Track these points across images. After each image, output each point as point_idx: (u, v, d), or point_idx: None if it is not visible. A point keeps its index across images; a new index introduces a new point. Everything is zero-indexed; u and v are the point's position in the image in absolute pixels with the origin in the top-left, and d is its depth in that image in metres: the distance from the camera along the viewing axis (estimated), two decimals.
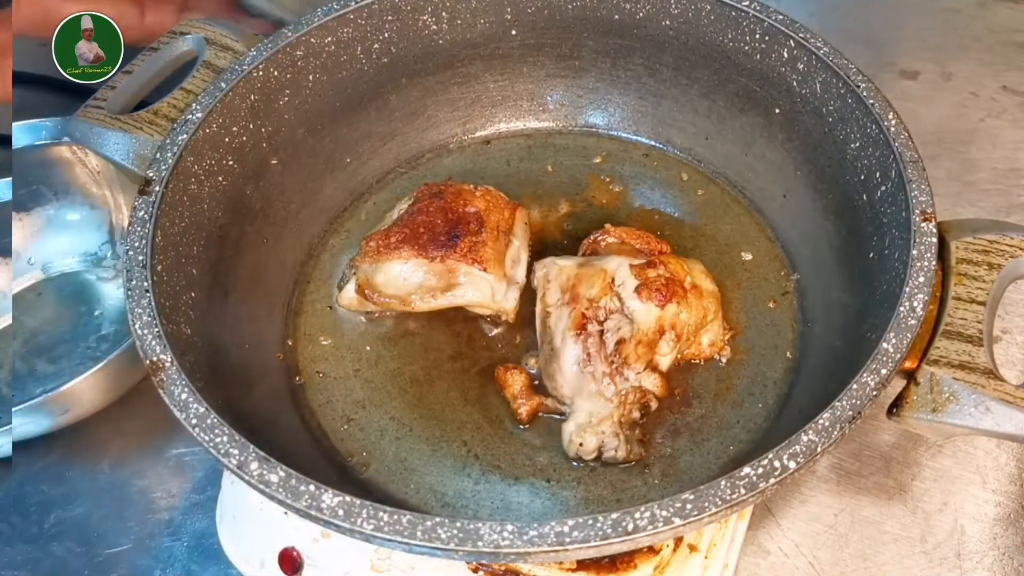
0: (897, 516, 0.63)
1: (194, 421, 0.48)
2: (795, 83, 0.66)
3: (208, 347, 0.57)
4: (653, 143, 0.78)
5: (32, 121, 0.82)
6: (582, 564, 0.55)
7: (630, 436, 0.59)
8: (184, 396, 0.49)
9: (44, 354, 0.79)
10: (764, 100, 0.69)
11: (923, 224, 0.53)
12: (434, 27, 0.73)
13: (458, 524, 0.43)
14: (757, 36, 0.67)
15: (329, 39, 0.70)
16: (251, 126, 0.67)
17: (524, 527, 0.43)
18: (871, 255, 0.58)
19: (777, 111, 0.69)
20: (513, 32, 0.75)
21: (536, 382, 0.62)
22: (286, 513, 0.51)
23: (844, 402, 0.46)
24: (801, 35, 0.64)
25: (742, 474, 0.44)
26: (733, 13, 0.67)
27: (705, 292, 0.63)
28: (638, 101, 0.78)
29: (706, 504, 0.43)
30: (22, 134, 0.82)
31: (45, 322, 0.82)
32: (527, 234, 0.69)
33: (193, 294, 0.59)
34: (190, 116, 0.62)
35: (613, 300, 0.61)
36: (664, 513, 0.43)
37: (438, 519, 0.43)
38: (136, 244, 0.56)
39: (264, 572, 0.59)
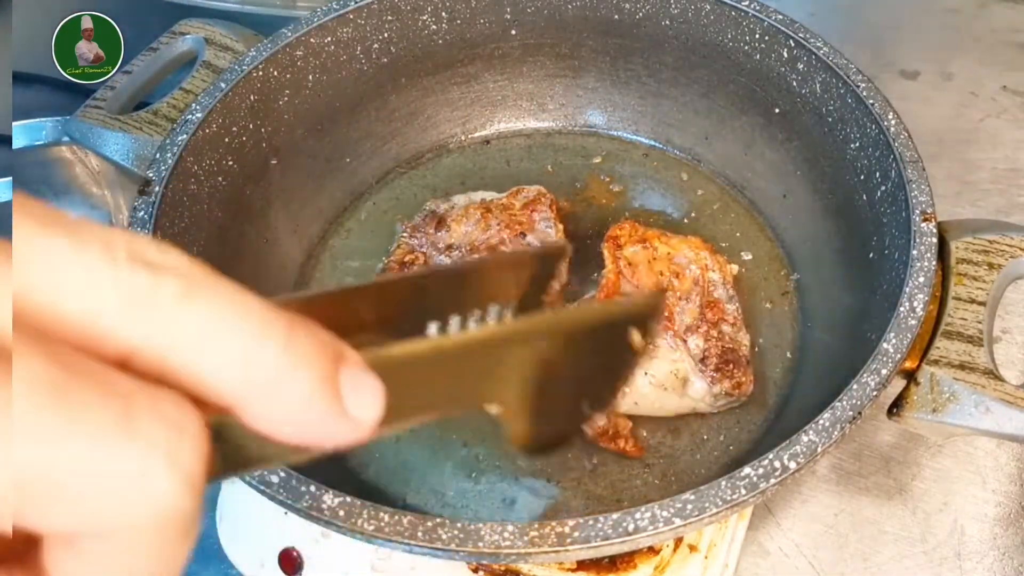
0: (897, 516, 0.63)
1: None
2: (795, 83, 0.66)
3: None
4: (653, 143, 0.78)
5: (32, 121, 0.82)
6: (582, 564, 0.55)
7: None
8: None
9: None
10: (764, 100, 0.69)
11: (923, 224, 0.53)
12: (434, 27, 0.73)
13: (459, 525, 0.43)
14: (757, 36, 0.67)
15: (329, 39, 0.70)
16: (251, 126, 0.67)
17: (525, 528, 0.43)
18: (871, 255, 0.58)
19: (777, 111, 0.69)
20: (513, 32, 0.75)
21: None
22: (286, 513, 0.50)
23: (844, 402, 0.46)
24: (801, 35, 0.64)
25: (742, 474, 0.44)
26: (733, 13, 0.67)
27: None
28: (638, 101, 0.78)
29: (707, 504, 0.43)
30: (22, 134, 0.82)
31: None
32: None
33: None
34: (190, 116, 0.62)
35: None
36: (665, 513, 0.43)
37: (439, 520, 0.43)
38: None
39: (264, 572, 0.59)
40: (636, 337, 0.38)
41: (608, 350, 0.39)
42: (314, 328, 0.22)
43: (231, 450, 0.22)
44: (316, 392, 0.21)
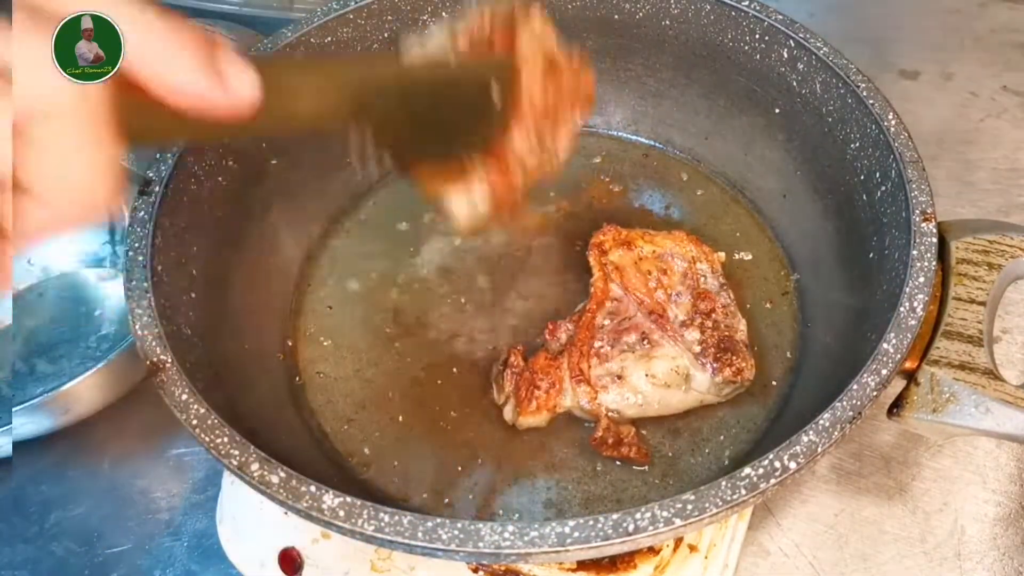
0: (897, 516, 0.63)
1: (194, 422, 0.48)
2: (795, 83, 0.66)
3: (208, 347, 0.57)
4: (653, 143, 0.78)
5: None
6: (582, 564, 0.55)
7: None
8: (184, 397, 0.49)
9: (44, 354, 0.79)
10: (764, 100, 0.69)
11: (923, 224, 0.53)
12: (434, 27, 0.73)
13: (459, 525, 0.43)
14: (757, 36, 0.67)
15: (329, 39, 0.69)
16: None
17: (525, 528, 0.43)
18: (871, 255, 0.58)
19: (777, 111, 0.69)
20: None
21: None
22: (286, 513, 0.51)
23: (844, 402, 0.46)
24: (801, 35, 0.64)
25: (742, 474, 0.44)
26: (733, 13, 0.67)
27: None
28: (638, 101, 0.78)
29: (707, 504, 0.43)
30: None
31: (45, 322, 0.81)
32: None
33: (193, 294, 0.59)
34: None
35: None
36: (665, 514, 0.43)
37: (439, 520, 0.43)
38: (136, 244, 0.56)
39: (264, 572, 0.59)
40: (496, 93, 0.48)
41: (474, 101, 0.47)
42: (192, 25, 0.30)
43: (143, 120, 0.30)
44: (199, 64, 0.30)
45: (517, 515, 0.57)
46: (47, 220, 0.31)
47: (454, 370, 0.65)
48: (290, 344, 0.67)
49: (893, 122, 0.58)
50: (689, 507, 0.43)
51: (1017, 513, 0.63)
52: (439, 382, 0.64)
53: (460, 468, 0.60)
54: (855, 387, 0.47)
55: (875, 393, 0.47)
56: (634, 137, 0.79)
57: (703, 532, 0.57)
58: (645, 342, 0.60)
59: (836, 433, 0.45)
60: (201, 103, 0.31)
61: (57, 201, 0.30)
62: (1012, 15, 0.98)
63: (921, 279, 0.51)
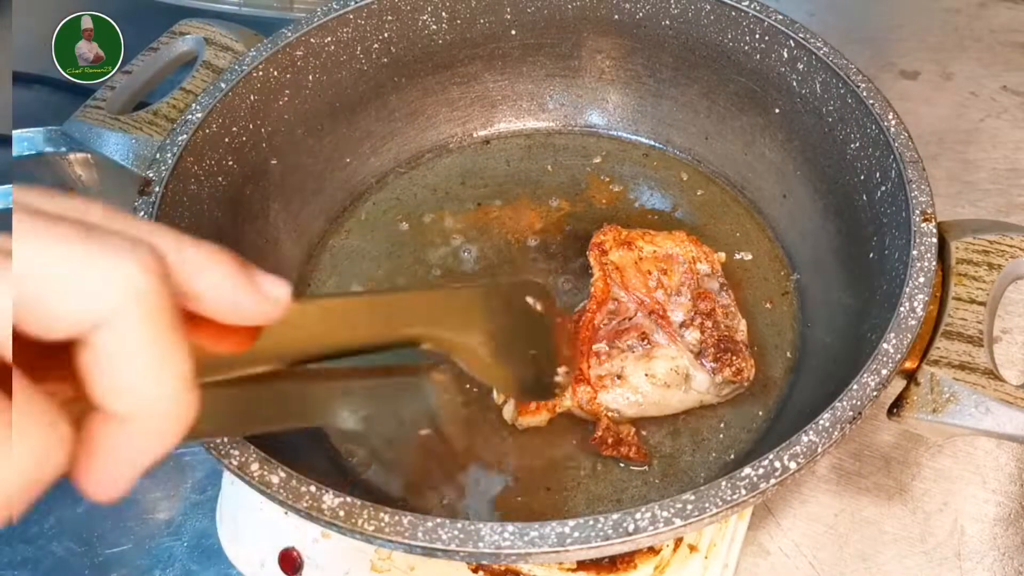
0: (897, 516, 0.63)
1: None
2: (795, 83, 0.66)
3: None
4: (653, 143, 0.78)
5: (25, 132, 0.81)
6: (582, 564, 0.55)
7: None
8: None
9: None
10: (764, 100, 0.69)
11: (923, 224, 0.53)
12: (434, 27, 0.73)
13: (459, 525, 0.43)
14: (757, 36, 0.67)
15: (329, 39, 0.70)
16: (251, 126, 0.66)
17: (525, 528, 0.43)
18: (871, 255, 0.58)
19: (777, 111, 0.69)
20: (513, 32, 0.75)
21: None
22: (286, 514, 0.51)
23: (844, 402, 0.46)
24: (801, 35, 0.64)
25: (743, 475, 0.44)
26: (733, 13, 0.67)
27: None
28: (638, 101, 0.78)
29: (707, 505, 0.43)
30: (16, 145, 0.81)
31: None
32: None
33: None
34: (190, 116, 0.62)
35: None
36: (665, 514, 0.43)
37: (439, 520, 0.43)
38: None
39: (264, 572, 0.59)
40: (535, 304, 0.51)
41: (520, 314, 0.50)
42: (229, 254, 0.30)
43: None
44: (232, 275, 0.30)
45: (517, 515, 0.57)
46: (133, 443, 0.28)
47: (454, 370, 0.64)
48: None
49: (893, 122, 0.58)
50: (689, 507, 0.43)
51: (1017, 513, 0.63)
52: None
53: (460, 468, 0.59)
54: (855, 387, 0.47)
55: (875, 393, 0.47)
56: (634, 137, 0.79)
57: (703, 532, 0.57)
58: (645, 342, 0.60)
59: (836, 433, 0.45)
60: (239, 308, 0.31)
61: (138, 418, 0.27)
62: (1012, 15, 0.98)
63: (921, 279, 0.51)
